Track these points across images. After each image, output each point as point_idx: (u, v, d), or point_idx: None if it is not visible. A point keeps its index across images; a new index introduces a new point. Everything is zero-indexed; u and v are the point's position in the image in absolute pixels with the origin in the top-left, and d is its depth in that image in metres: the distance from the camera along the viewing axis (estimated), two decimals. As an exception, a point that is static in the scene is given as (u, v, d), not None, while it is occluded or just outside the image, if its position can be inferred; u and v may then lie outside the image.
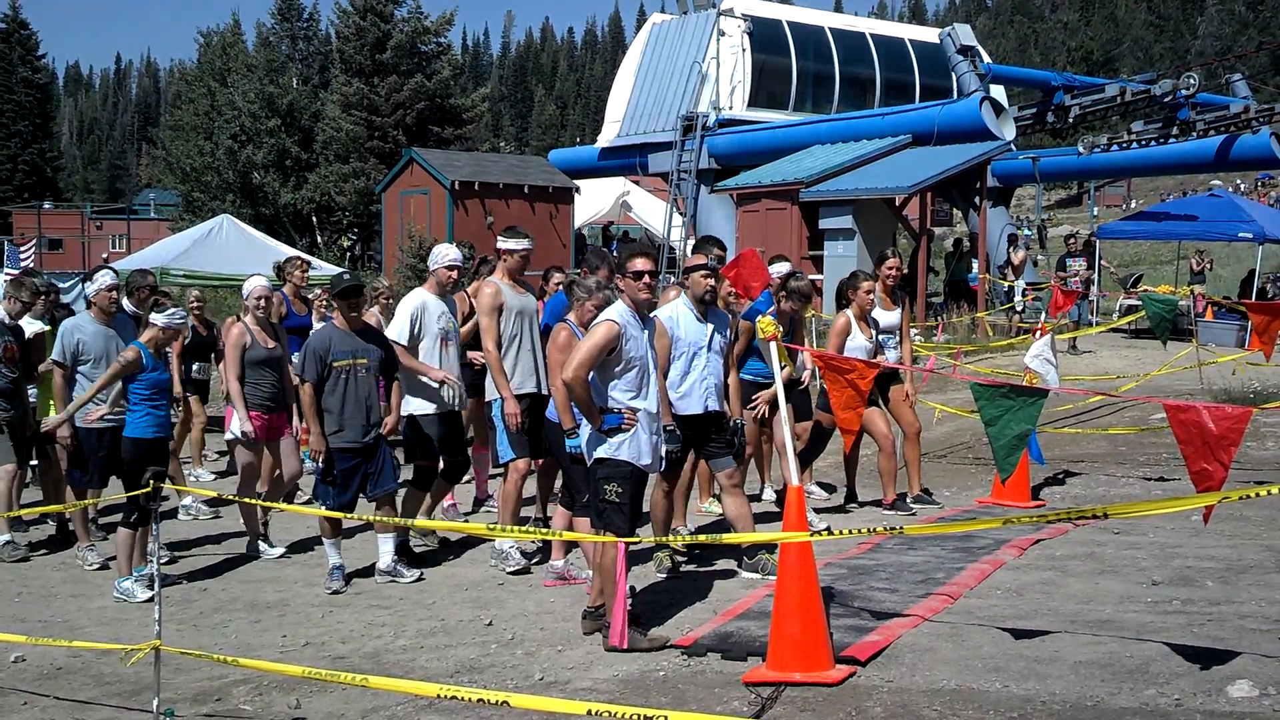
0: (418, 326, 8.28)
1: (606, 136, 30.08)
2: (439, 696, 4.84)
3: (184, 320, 8.53)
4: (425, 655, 6.27)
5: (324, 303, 11.68)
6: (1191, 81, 23.25)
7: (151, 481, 5.70)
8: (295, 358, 8.77)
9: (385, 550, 7.93)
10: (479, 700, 4.63)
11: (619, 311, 6.29)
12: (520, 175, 27.58)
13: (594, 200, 31.48)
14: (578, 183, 28.54)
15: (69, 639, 6.42)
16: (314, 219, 37.56)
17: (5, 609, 7.52)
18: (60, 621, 7.17)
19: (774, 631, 5.50)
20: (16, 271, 23.64)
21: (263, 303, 9.03)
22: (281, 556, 8.77)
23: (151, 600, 7.33)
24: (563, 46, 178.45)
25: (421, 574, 7.95)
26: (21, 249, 33.07)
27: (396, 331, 8.28)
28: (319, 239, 37.17)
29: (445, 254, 8.50)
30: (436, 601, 7.35)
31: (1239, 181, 53.29)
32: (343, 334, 7.87)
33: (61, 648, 6.37)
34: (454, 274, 8.50)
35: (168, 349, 8.31)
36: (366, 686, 5.18)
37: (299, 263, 12.13)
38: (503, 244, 8.15)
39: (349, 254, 37.59)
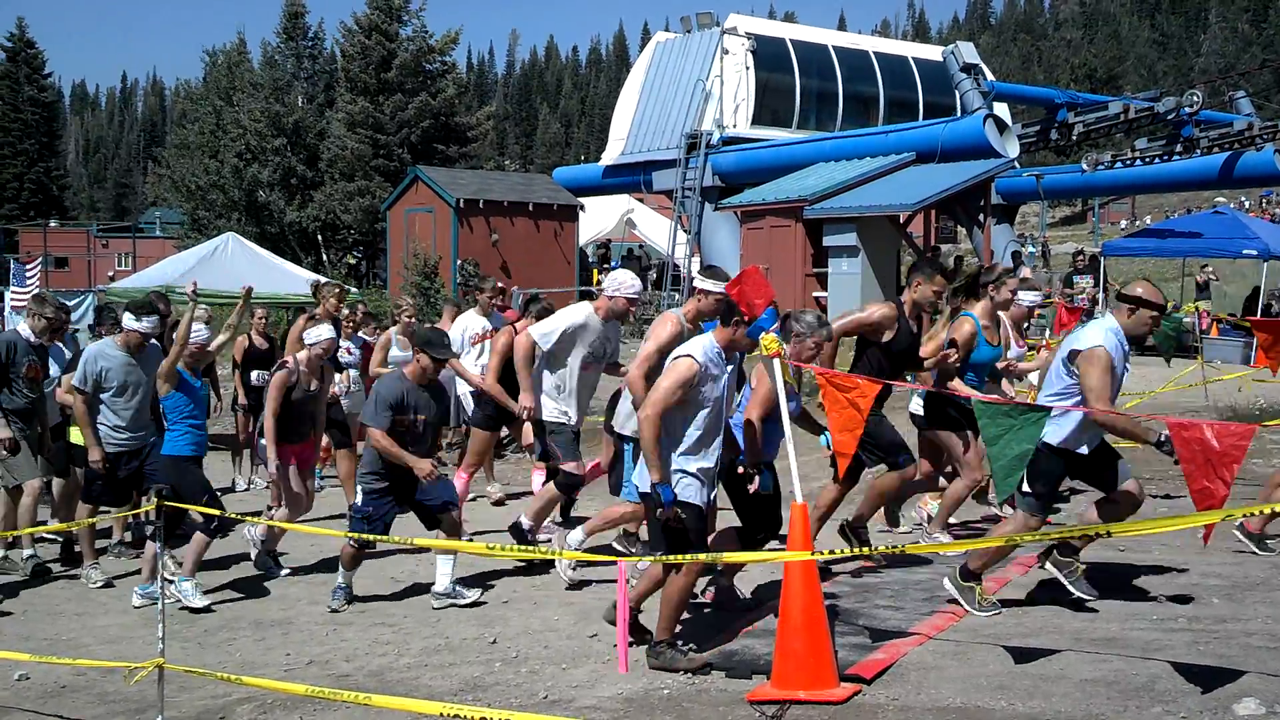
0: (565, 341, 8.18)
1: (611, 154, 30.13)
2: (442, 715, 4.83)
3: (209, 337, 8.71)
4: (429, 673, 6.26)
5: (351, 325, 11.78)
6: (1195, 99, 23.26)
7: (155, 499, 5.71)
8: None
9: (443, 572, 7.74)
10: (482, 719, 4.62)
11: (703, 349, 6.05)
12: (525, 193, 27.64)
13: (598, 218, 31.54)
14: (582, 200, 28.60)
15: (73, 657, 6.42)
16: (319, 237, 37.61)
17: (10, 627, 7.52)
18: (65, 640, 7.17)
19: (779, 649, 5.49)
20: (24, 290, 23.72)
21: (323, 354, 8.93)
22: (286, 575, 8.76)
23: (207, 609, 7.52)
24: (567, 65, 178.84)
25: (480, 596, 7.80)
26: (28, 267, 33.09)
27: (540, 333, 8.22)
28: (324, 257, 37.22)
29: (630, 284, 8.23)
30: (440, 619, 7.34)
31: (1243, 199, 53.24)
32: (414, 388, 7.78)
33: (66, 666, 6.36)
34: (632, 308, 8.36)
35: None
36: (370, 705, 5.18)
37: (335, 289, 11.97)
38: (701, 283, 7.54)
39: (354, 272, 37.62)
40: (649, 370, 6.98)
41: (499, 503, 11.44)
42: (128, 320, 8.41)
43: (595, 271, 29.70)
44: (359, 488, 7.89)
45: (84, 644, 7.05)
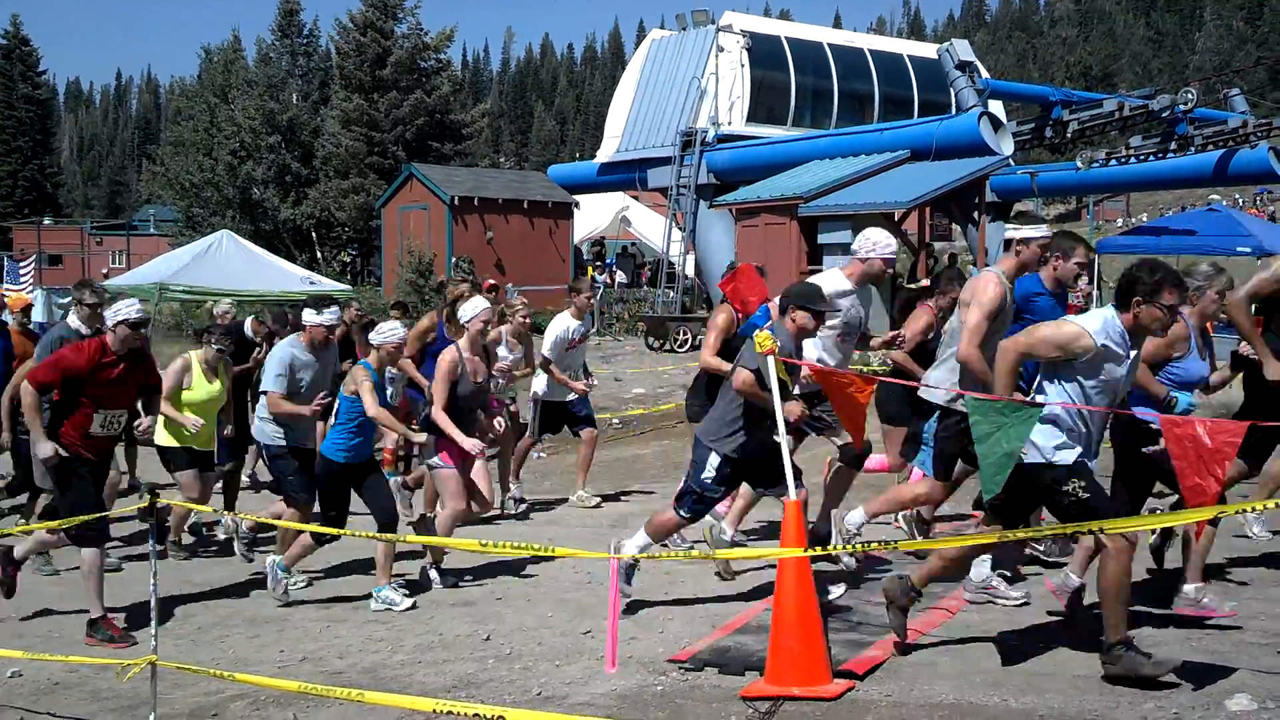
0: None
1: (606, 152, 30.16)
2: (435, 711, 4.83)
3: (401, 339, 8.05)
4: (422, 670, 6.26)
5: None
6: (1189, 96, 23.30)
7: (149, 496, 5.69)
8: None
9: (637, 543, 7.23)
10: (475, 715, 4.62)
11: (1103, 323, 5.45)
12: (520, 191, 27.67)
13: (593, 216, 31.57)
14: (577, 198, 28.62)
15: (66, 654, 6.41)
16: (314, 234, 37.60)
17: (2, 624, 7.50)
18: (57, 637, 7.16)
19: (772, 646, 5.50)
20: (18, 287, 23.70)
21: (484, 328, 8.40)
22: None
23: (414, 607, 7.38)
24: (562, 62, 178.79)
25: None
26: (21, 265, 33.11)
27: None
28: (319, 254, 37.22)
29: (885, 244, 7.48)
30: (434, 616, 7.33)
31: (1237, 196, 53.30)
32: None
33: (58, 663, 6.35)
34: (888, 270, 7.72)
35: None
36: (363, 701, 5.17)
37: (461, 284, 10.76)
38: (1018, 232, 6.82)
39: (348, 269, 37.62)
40: (983, 340, 6.46)
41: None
42: (309, 316, 8.15)
43: (590, 269, 29.72)
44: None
45: (77, 641, 7.04)
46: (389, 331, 7.87)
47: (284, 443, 8.24)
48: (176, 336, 23.06)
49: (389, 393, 9.49)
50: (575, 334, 10.47)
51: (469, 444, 7.89)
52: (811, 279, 7.62)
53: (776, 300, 7.20)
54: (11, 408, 9.34)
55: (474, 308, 8.28)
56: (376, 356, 7.84)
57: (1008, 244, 6.80)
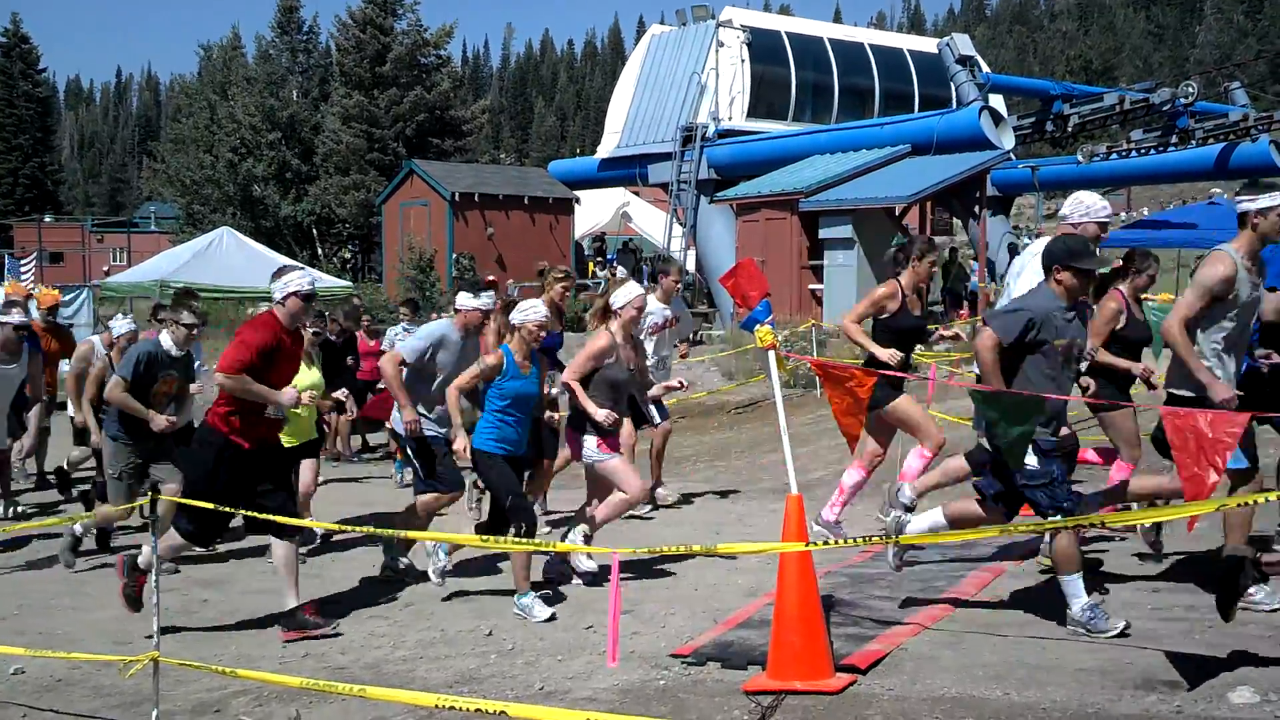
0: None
1: (606, 148, 30.13)
2: (437, 707, 4.83)
3: (544, 317, 7.43)
4: (425, 665, 6.26)
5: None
6: (1190, 90, 23.26)
7: (150, 494, 5.69)
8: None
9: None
10: (476, 710, 4.62)
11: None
12: (520, 186, 27.65)
13: (594, 211, 31.57)
14: (578, 194, 28.60)
15: (68, 651, 6.41)
16: (314, 231, 37.57)
17: (5, 621, 7.51)
18: (60, 634, 7.15)
19: (774, 640, 5.49)
20: (22, 284, 23.65)
21: (638, 314, 8.03)
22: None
23: (553, 618, 6.94)
24: (562, 58, 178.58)
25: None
26: (22, 262, 33.08)
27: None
28: (319, 251, 37.20)
29: (1101, 207, 7.03)
30: (436, 612, 7.34)
31: (1238, 190, 53.33)
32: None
33: (61, 660, 6.35)
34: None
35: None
36: (365, 697, 5.17)
37: (562, 275, 10.14)
38: (1255, 202, 6.27)
39: (349, 266, 37.60)
40: (1204, 320, 6.23)
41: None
42: (465, 300, 7.99)
43: (591, 265, 29.71)
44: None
45: (79, 638, 7.04)
46: (530, 309, 7.26)
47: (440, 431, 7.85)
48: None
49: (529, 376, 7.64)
50: (661, 318, 10.06)
51: (602, 415, 7.53)
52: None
53: (1038, 259, 6.57)
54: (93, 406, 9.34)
55: (628, 293, 7.90)
56: (517, 339, 7.27)
57: (1242, 219, 6.26)
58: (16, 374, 9.51)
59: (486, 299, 8.03)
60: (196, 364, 9.04)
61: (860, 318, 8.21)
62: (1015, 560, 7.66)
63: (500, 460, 7.23)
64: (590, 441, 7.67)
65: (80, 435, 11.01)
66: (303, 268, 7.09)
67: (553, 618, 6.95)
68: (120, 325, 9.68)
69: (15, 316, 9.52)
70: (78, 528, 8.90)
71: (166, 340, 8.44)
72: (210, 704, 5.85)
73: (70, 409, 11.04)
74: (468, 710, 4.66)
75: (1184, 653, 5.55)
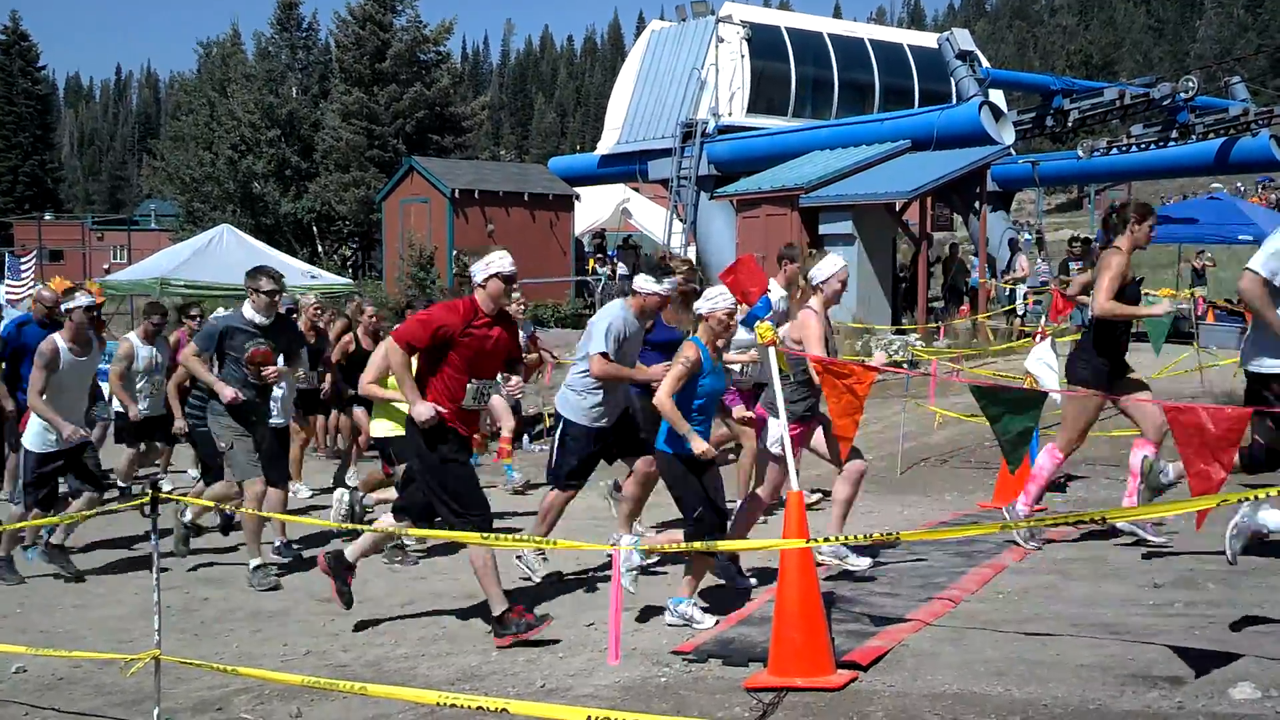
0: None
1: (606, 144, 30.11)
2: (438, 704, 4.83)
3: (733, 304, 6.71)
4: (426, 663, 6.26)
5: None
6: (1190, 85, 23.28)
7: (151, 492, 5.69)
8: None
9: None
10: (478, 708, 4.62)
11: None
12: (520, 183, 27.62)
13: (594, 208, 31.52)
14: (578, 190, 28.57)
15: (70, 649, 6.42)
16: (314, 228, 37.56)
17: (7, 620, 7.51)
18: (61, 632, 7.16)
19: (775, 637, 5.49)
20: (19, 283, 23.62)
21: (842, 287, 7.48)
22: (278, 566, 8.74)
23: (714, 627, 6.43)
24: (562, 54, 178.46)
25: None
26: (22, 260, 33.05)
27: None
28: (319, 248, 37.17)
29: None
30: (438, 609, 7.34)
31: (1239, 184, 53.22)
32: None
33: (62, 658, 6.36)
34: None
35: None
36: (366, 695, 5.17)
37: (684, 263, 9.35)
38: None
39: (349, 263, 37.59)
40: None
41: (518, 492, 11.55)
42: (646, 283, 7.59)
43: (591, 261, 29.70)
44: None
45: (81, 636, 7.05)
46: (718, 297, 6.55)
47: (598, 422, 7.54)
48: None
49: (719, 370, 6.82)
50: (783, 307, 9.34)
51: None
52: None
53: None
54: (179, 392, 9.18)
55: (833, 264, 7.35)
56: (706, 328, 6.52)
57: None
58: (89, 365, 8.75)
59: (669, 283, 7.56)
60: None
61: (1113, 294, 7.29)
62: (1016, 556, 7.66)
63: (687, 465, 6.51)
64: (776, 427, 7.02)
65: (120, 434, 11.02)
66: (503, 251, 6.66)
67: (716, 624, 6.47)
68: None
69: (82, 299, 8.61)
70: (187, 515, 8.87)
71: (249, 310, 8.25)
72: (212, 702, 5.85)
73: (115, 405, 10.97)
74: (469, 708, 4.66)
75: (1185, 648, 5.55)
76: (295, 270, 20.80)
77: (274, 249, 24.13)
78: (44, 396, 8.23)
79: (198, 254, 20.29)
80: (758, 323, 6.38)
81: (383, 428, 8.75)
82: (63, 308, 8.81)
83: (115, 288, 21.89)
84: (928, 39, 30.75)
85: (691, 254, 26.32)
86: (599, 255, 31.61)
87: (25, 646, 6.31)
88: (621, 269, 31.79)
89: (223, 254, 20.16)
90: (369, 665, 6.28)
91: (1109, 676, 5.32)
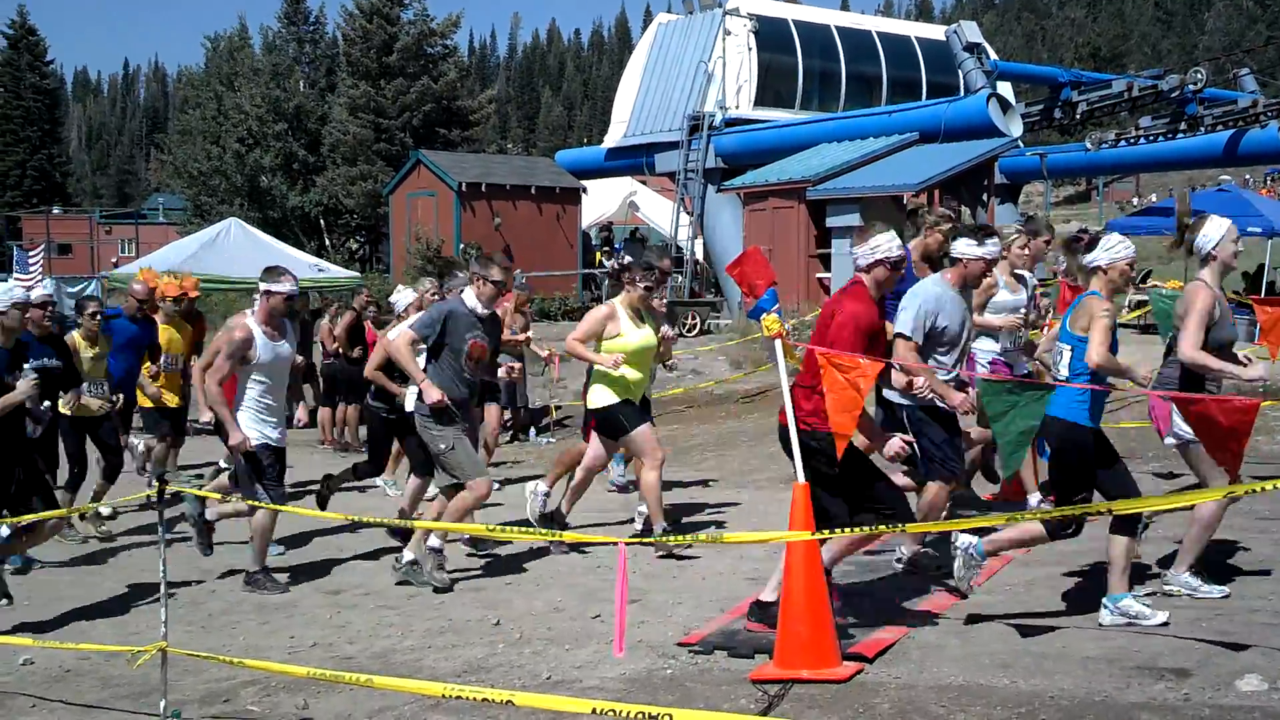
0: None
1: (613, 137, 30.06)
2: (445, 696, 4.84)
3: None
4: (433, 655, 6.27)
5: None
6: (1199, 76, 23.18)
7: (156, 483, 5.69)
8: None
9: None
10: (484, 700, 4.63)
11: None
12: (527, 176, 27.61)
13: (601, 201, 31.49)
14: (585, 183, 28.55)
15: (77, 641, 6.43)
16: (322, 222, 37.61)
17: (13, 612, 7.53)
18: (68, 624, 7.18)
19: (781, 629, 5.49)
20: (27, 277, 23.68)
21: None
22: (281, 556, 8.75)
23: (1166, 624, 5.92)
24: (569, 47, 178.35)
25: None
26: (30, 254, 33.13)
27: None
28: (327, 242, 37.23)
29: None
30: (444, 601, 7.35)
31: (1247, 176, 53.07)
32: None
33: (69, 650, 6.38)
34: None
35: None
36: (372, 687, 5.18)
37: (943, 217, 8.25)
38: None
39: (356, 256, 37.64)
40: None
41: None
42: (966, 247, 6.66)
43: (598, 254, 29.68)
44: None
45: (88, 628, 7.06)
46: (1118, 246, 5.99)
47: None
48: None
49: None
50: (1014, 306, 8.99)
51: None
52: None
53: None
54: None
55: (1219, 226, 6.39)
56: (1106, 282, 6.05)
57: None
58: (288, 352, 8.05)
59: (992, 245, 6.62)
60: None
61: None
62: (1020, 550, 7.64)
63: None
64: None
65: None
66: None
67: (1166, 623, 5.89)
68: (407, 295, 9.58)
69: (285, 285, 7.74)
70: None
71: (471, 298, 7.57)
72: (218, 694, 5.86)
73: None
74: (475, 699, 4.67)
75: (1192, 640, 5.54)
76: (302, 264, 20.83)
77: (281, 243, 24.17)
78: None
79: (205, 247, 20.33)
80: (764, 315, 6.36)
81: (602, 396, 8.18)
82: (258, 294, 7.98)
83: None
84: (935, 31, 30.65)
85: (699, 247, 26.32)
86: (606, 248, 31.59)
87: (32, 639, 6.33)
88: (629, 261, 31.78)
89: (230, 247, 20.20)
90: (375, 657, 6.29)
91: (1115, 669, 5.31)
